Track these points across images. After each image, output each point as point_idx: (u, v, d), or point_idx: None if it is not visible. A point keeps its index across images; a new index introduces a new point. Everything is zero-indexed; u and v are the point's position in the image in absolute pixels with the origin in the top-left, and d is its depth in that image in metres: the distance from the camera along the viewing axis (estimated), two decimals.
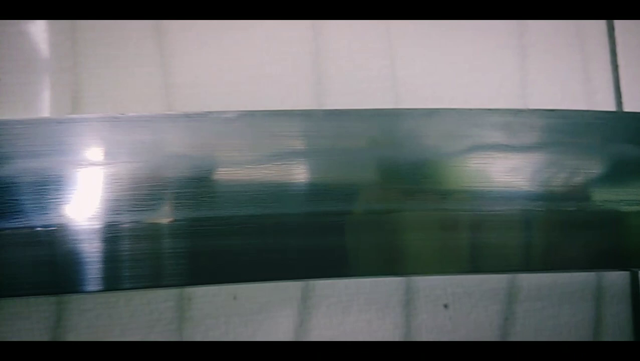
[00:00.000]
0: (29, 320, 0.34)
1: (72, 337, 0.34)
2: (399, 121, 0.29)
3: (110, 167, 0.27)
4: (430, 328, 0.38)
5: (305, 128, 0.29)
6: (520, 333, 0.39)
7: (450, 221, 0.28)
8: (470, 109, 0.30)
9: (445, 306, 0.38)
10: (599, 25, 0.42)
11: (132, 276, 0.26)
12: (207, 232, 0.27)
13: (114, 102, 0.35)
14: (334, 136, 0.28)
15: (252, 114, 0.29)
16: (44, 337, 0.34)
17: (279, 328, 0.37)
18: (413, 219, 0.28)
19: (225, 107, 0.31)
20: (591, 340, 0.40)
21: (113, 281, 0.26)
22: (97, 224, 0.26)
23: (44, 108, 0.35)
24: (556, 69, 0.41)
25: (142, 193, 0.26)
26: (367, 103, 0.38)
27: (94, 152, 0.27)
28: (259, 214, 0.27)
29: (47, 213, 0.26)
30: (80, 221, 0.26)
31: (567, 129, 0.30)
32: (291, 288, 0.37)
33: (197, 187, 0.27)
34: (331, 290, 0.37)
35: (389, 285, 0.38)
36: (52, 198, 0.26)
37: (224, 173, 0.27)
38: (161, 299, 0.35)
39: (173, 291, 0.36)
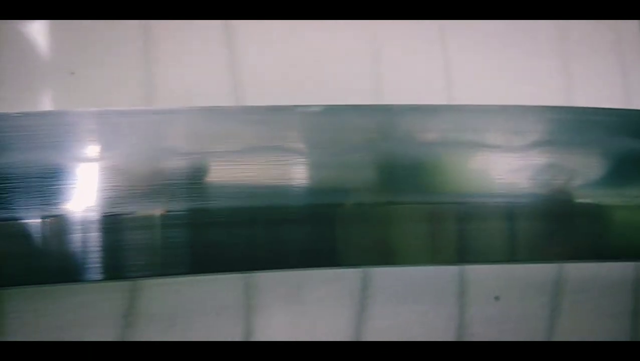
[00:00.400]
0: (102, 308, 0.35)
1: (142, 324, 0.35)
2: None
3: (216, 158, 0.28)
4: (482, 319, 0.40)
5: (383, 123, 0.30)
6: (565, 325, 0.41)
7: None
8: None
9: (497, 298, 0.40)
10: (636, 31, 0.45)
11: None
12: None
13: (185, 98, 0.36)
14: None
15: (336, 108, 0.30)
16: (117, 324, 0.35)
17: (340, 317, 0.38)
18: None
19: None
20: (629, 331, 0.42)
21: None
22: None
23: (117, 102, 0.35)
24: (596, 73, 0.43)
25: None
26: (422, 102, 0.39)
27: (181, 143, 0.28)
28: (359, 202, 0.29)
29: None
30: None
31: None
32: (351, 278, 0.38)
33: (289, 178, 0.29)
34: (389, 281, 0.39)
35: (443, 276, 0.39)
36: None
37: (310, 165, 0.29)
38: (228, 287, 0.37)
39: (239, 280, 0.37)
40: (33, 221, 0.26)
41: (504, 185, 0.30)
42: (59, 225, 0.26)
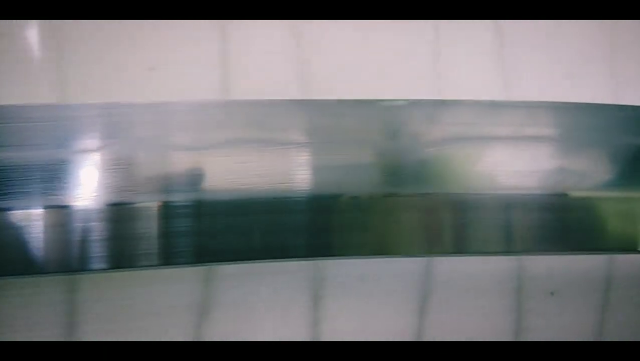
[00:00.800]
0: (178, 297, 0.36)
1: (218, 313, 0.36)
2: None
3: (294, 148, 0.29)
4: (538, 313, 0.41)
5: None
6: (615, 320, 0.42)
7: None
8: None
9: (552, 293, 0.41)
10: None
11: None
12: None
13: (256, 92, 0.37)
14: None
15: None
16: (194, 312, 0.36)
17: (403, 310, 0.39)
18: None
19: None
20: None
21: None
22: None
23: (194, 95, 0.37)
24: None
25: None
26: (478, 93, 0.41)
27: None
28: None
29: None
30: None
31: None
32: (414, 272, 0.39)
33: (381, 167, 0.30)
34: (449, 276, 0.40)
35: (502, 272, 0.40)
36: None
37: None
38: (299, 279, 0.38)
39: (309, 272, 0.38)
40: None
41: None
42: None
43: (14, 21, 0.34)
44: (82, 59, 0.35)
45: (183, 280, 0.36)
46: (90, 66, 0.35)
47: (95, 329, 0.35)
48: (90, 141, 0.28)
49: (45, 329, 0.34)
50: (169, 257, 0.28)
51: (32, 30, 0.35)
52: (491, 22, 0.42)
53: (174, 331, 0.36)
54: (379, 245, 0.30)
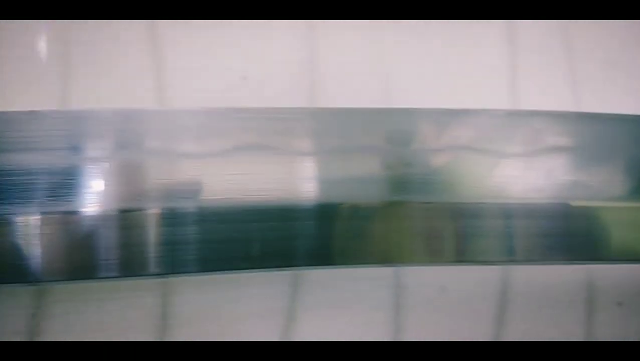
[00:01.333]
0: (266, 300, 0.36)
1: (304, 317, 0.37)
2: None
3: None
4: (606, 325, 0.42)
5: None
6: None
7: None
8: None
9: (619, 304, 0.42)
10: None
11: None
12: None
13: (345, 98, 0.38)
14: None
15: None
16: (282, 315, 0.36)
17: (479, 321, 0.40)
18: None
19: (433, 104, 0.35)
20: None
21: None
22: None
23: (282, 102, 0.37)
24: None
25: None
26: (550, 105, 0.42)
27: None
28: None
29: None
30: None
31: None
32: (492, 282, 0.40)
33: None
34: (523, 286, 0.40)
35: (572, 282, 0.41)
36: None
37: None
38: (379, 286, 0.38)
39: (389, 280, 0.38)
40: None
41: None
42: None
43: (115, 21, 0.35)
44: (182, 65, 0.36)
45: (271, 284, 0.37)
46: (190, 72, 0.36)
47: (188, 332, 0.35)
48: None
49: (138, 332, 0.34)
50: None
51: (133, 33, 0.35)
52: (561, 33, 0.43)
53: (262, 334, 0.36)
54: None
